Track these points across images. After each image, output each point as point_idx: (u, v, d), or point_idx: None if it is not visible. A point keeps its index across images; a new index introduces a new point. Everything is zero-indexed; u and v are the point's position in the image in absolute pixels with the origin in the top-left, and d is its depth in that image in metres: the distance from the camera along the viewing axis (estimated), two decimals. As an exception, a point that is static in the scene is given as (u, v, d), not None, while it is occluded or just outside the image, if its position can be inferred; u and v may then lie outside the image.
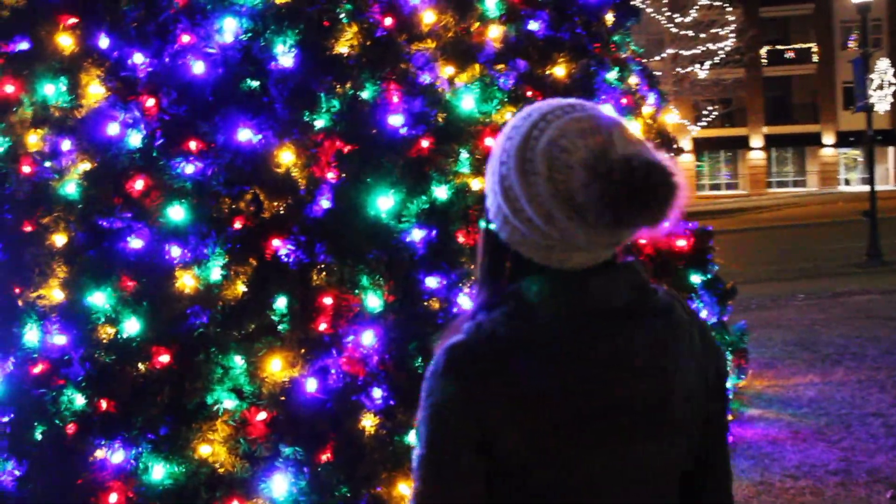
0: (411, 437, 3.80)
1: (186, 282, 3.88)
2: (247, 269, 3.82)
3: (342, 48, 4.17)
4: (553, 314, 1.22)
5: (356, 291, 3.91)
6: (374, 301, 3.91)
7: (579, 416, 1.20)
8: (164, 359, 3.81)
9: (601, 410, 1.21)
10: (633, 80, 5.54)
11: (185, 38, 4.10)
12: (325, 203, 4.02)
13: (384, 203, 4.05)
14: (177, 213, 4.01)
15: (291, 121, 4.06)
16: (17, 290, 4.05)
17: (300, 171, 4.04)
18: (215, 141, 4.00)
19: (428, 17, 4.30)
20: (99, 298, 3.92)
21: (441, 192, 4.14)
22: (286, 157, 4.03)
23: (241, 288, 3.82)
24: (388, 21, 4.25)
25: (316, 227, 3.96)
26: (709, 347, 1.32)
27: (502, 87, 4.39)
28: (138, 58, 4.13)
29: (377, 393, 3.83)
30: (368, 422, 3.77)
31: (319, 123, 4.11)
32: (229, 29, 4.13)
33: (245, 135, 4.00)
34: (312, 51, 4.06)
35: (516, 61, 4.48)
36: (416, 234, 4.08)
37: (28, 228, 4.18)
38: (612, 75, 4.76)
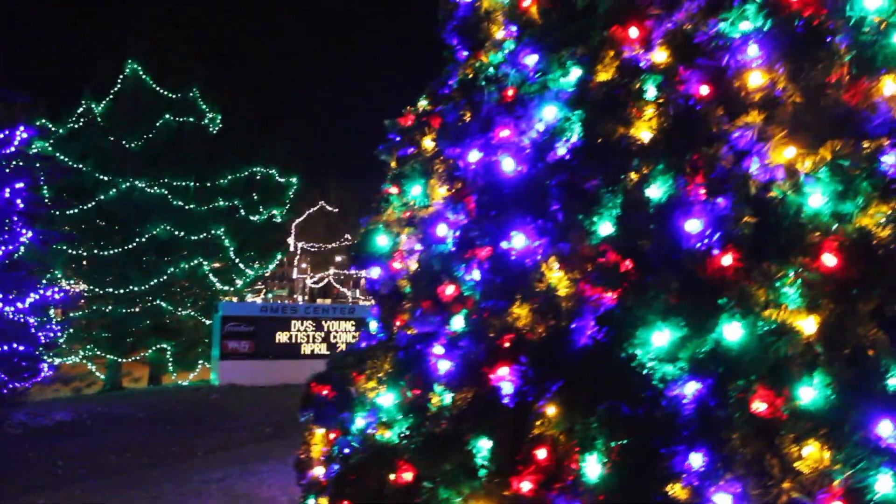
0: None
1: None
2: (464, 397, 3.24)
3: (642, 131, 3.19)
4: None
5: (580, 452, 2.92)
6: (593, 468, 2.85)
7: None
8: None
9: None
10: None
11: (504, 133, 3.72)
12: (588, 331, 3.12)
13: (654, 339, 2.92)
14: (458, 323, 3.66)
15: (566, 225, 3.29)
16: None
17: (566, 288, 3.23)
18: (494, 245, 3.51)
19: (755, 79, 2.94)
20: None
21: (732, 333, 2.77)
22: (554, 271, 3.27)
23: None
24: (705, 90, 3.07)
25: (549, 359, 3.10)
26: None
27: (880, 173, 2.72)
28: (473, 156, 3.91)
29: None
30: None
31: (605, 229, 3.21)
32: (548, 117, 3.58)
33: (519, 241, 3.41)
34: (591, 138, 3.22)
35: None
36: (688, 388, 2.83)
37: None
38: None
